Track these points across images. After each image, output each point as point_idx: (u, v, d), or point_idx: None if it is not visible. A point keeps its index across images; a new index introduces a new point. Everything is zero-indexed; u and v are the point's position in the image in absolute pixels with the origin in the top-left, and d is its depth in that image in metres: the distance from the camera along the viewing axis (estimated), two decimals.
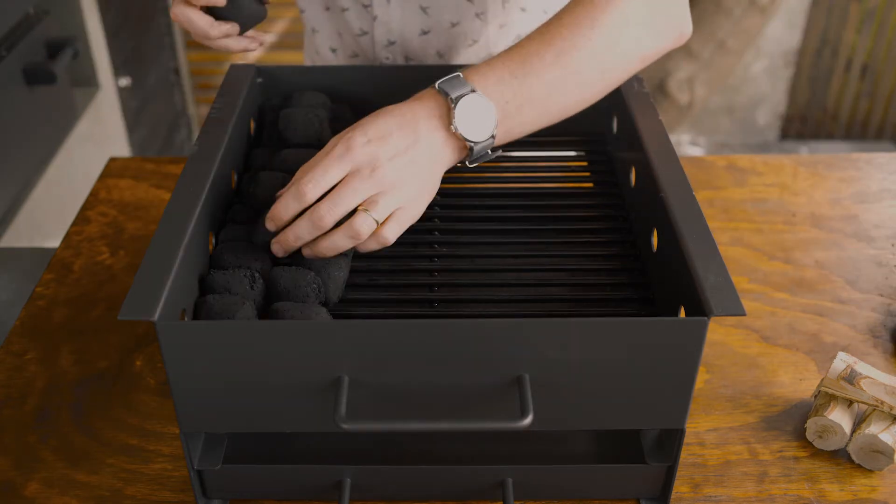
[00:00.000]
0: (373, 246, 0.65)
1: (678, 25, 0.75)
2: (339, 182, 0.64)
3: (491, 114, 0.67)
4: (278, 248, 0.65)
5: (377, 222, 0.63)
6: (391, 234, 0.65)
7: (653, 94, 2.65)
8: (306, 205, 0.64)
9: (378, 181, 0.63)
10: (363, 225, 0.63)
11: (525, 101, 0.68)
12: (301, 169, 0.66)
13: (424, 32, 0.98)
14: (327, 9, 1.00)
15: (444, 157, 0.67)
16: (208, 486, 0.63)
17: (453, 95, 0.66)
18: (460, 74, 0.67)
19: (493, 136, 0.67)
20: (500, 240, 0.74)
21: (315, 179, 0.63)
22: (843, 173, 1.04)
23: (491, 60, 0.69)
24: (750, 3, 2.50)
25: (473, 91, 0.66)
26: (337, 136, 0.66)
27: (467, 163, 0.69)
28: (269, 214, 0.65)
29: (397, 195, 0.64)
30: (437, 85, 0.67)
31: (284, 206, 0.64)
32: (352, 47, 1.01)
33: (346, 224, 0.63)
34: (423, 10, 0.96)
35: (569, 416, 0.58)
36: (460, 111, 0.66)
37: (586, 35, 0.69)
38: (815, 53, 2.76)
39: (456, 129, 0.66)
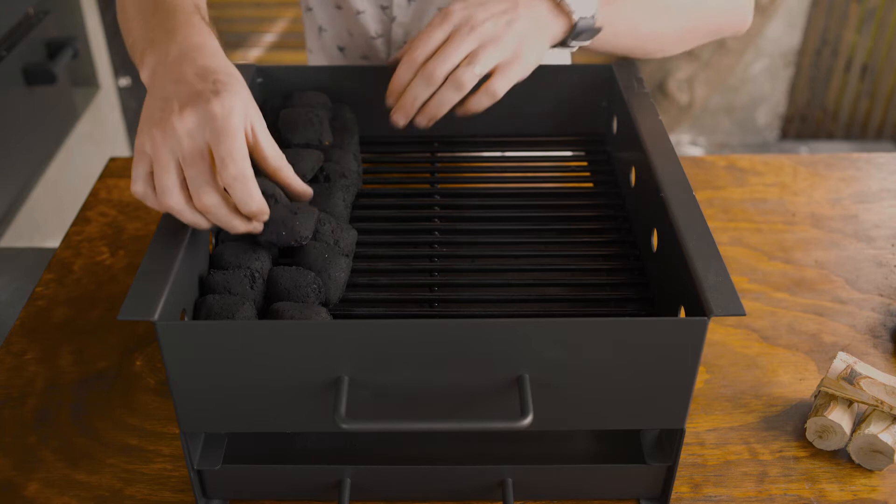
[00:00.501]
0: (485, 101, 0.70)
1: (747, 13, 0.86)
2: (443, 43, 0.69)
3: None
4: (400, 114, 0.71)
5: (478, 75, 0.68)
6: (500, 87, 0.70)
7: (653, 94, 2.65)
8: (418, 67, 0.70)
9: (478, 35, 0.68)
10: (465, 75, 0.68)
11: (621, 4, 0.76)
12: (410, 43, 0.72)
13: None
14: (338, 8, 0.99)
15: (546, 27, 0.72)
16: (208, 486, 0.63)
17: None
18: None
19: (594, 16, 0.72)
20: (499, 240, 0.74)
21: (421, 46, 0.70)
22: (843, 173, 1.04)
23: None
24: None
25: None
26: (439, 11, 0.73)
27: (569, 42, 0.73)
28: (389, 89, 0.71)
29: (499, 48, 0.69)
30: None
31: (400, 76, 0.71)
32: (362, 48, 1.01)
33: (451, 77, 0.68)
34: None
35: (569, 416, 0.58)
36: None
37: None
38: (815, 53, 2.76)
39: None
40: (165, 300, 0.54)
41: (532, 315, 0.65)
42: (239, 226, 0.60)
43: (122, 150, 1.96)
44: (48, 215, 1.54)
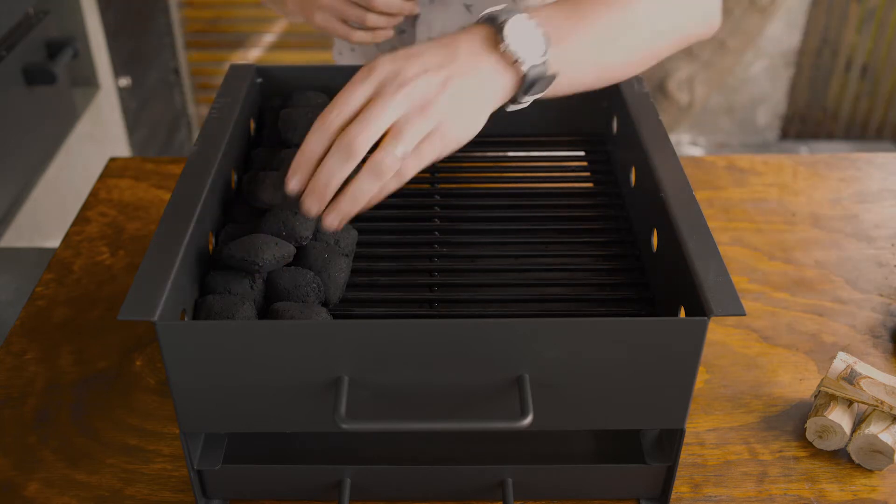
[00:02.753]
0: (392, 186, 0.57)
1: (715, 14, 0.75)
2: (366, 104, 0.56)
3: (540, 37, 0.59)
4: (312, 199, 0.57)
5: (401, 160, 0.55)
6: (412, 170, 0.57)
7: (653, 94, 2.65)
8: (332, 136, 0.56)
9: (406, 96, 0.55)
10: (386, 159, 0.55)
11: (577, 44, 0.62)
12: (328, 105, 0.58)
13: None
14: None
15: (491, 84, 0.59)
16: (208, 486, 0.63)
17: (500, 18, 0.59)
18: (506, 6, 0.61)
19: (545, 62, 0.59)
20: (500, 240, 0.74)
21: (339, 108, 0.56)
22: (843, 173, 1.04)
23: (540, 7, 0.64)
24: (750, 3, 2.50)
25: (523, 13, 0.60)
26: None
27: (520, 98, 0.61)
28: (295, 162, 0.57)
29: (428, 118, 0.55)
30: (480, 14, 0.61)
31: (310, 145, 0.56)
32: (383, 46, 1.01)
33: (370, 161, 0.55)
34: (468, 7, 0.95)
35: (569, 416, 0.58)
36: (510, 28, 0.58)
37: None
38: (815, 53, 2.76)
39: (506, 47, 0.58)
40: (165, 300, 0.54)
41: (532, 315, 0.65)
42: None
43: (122, 150, 1.96)
44: (48, 215, 1.54)
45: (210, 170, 0.67)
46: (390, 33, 0.91)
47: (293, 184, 0.57)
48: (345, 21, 0.89)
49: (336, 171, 0.55)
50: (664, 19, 0.70)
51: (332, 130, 0.56)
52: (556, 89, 0.63)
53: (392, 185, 0.57)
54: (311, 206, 0.58)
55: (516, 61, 0.59)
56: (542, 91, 0.62)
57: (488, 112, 0.60)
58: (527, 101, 0.61)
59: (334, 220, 0.58)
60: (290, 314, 0.60)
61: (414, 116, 0.55)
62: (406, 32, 0.96)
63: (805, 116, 2.89)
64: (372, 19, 0.87)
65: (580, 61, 0.64)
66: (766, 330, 0.81)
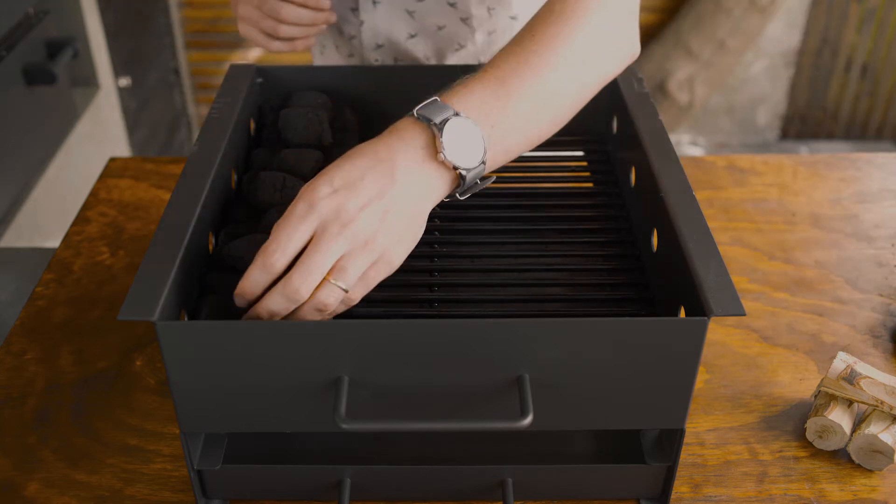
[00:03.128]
0: (340, 310, 0.59)
1: (633, 45, 0.72)
2: (309, 242, 0.56)
3: (478, 137, 0.60)
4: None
5: (345, 291, 0.56)
6: (359, 296, 0.58)
7: (653, 94, 2.65)
8: (275, 276, 0.57)
9: (349, 236, 0.56)
10: (329, 297, 0.56)
11: (510, 124, 0.63)
12: (272, 230, 0.58)
13: (412, 36, 0.98)
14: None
15: (429, 192, 0.60)
16: (208, 486, 0.63)
17: (437, 120, 0.59)
18: (438, 99, 0.61)
19: (483, 163, 0.61)
20: (499, 240, 0.74)
21: (282, 247, 0.56)
22: (843, 173, 1.04)
23: (468, 82, 0.63)
24: (750, 3, 2.51)
25: (457, 114, 0.60)
26: (303, 187, 0.58)
27: (458, 195, 0.62)
28: (238, 290, 0.57)
29: (369, 252, 0.57)
30: (415, 112, 0.60)
31: (253, 281, 0.57)
32: (346, 48, 1.02)
33: (312, 298, 0.56)
34: (410, 13, 0.96)
35: (569, 416, 0.58)
36: (448, 137, 0.59)
37: (562, 53, 0.65)
38: (815, 53, 2.76)
39: (445, 157, 0.59)
40: (165, 300, 0.54)
41: (532, 315, 0.65)
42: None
43: (122, 150, 1.96)
44: (48, 215, 1.54)
45: (210, 170, 0.67)
46: (311, 41, 0.94)
47: (240, 302, 0.58)
48: (264, 31, 0.92)
49: (279, 310, 0.57)
50: (588, 70, 0.68)
51: (276, 271, 0.56)
52: (494, 166, 0.64)
53: (340, 310, 0.58)
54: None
55: (455, 168, 0.59)
56: (478, 189, 0.63)
57: (426, 217, 0.61)
58: (465, 196, 0.63)
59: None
60: None
61: (356, 252, 0.56)
62: (355, 38, 0.98)
63: (805, 116, 2.89)
64: (284, 30, 0.90)
65: (513, 141, 0.64)
66: (766, 330, 0.81)
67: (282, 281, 0.56)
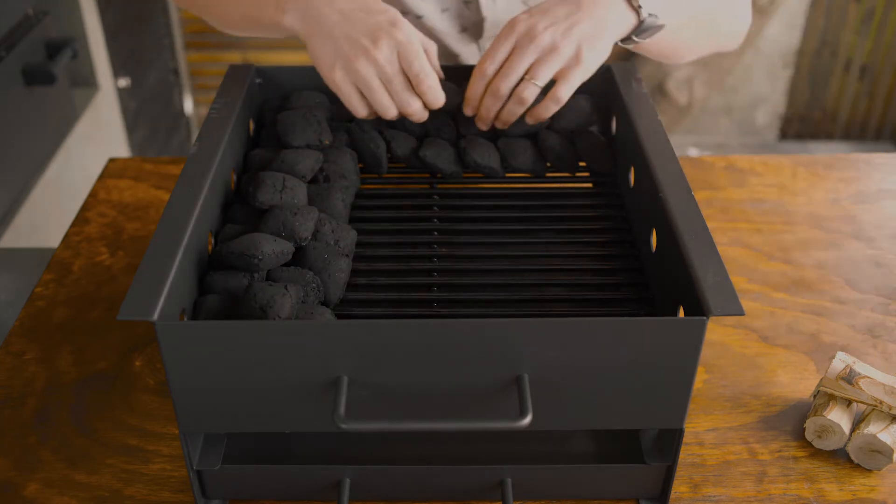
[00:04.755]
0: (552, 108, 0.75)
1: (744, 33, 0.94)
2: (509, 55, 0.74)
3: None
4: (480, 123, 0.79)
5: (539, 88, 0.73)
6: (563, 93, 0.73)
7: (652, 94, 2.65)
8: (489, 78, 0.75)
9: (537, 46, 0.72)
10: (526, 91, 0.73)
11: (677, 13, 0.79)
12: (486, 50, 0.76)
13: None
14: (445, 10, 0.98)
15: (612, 25, 0.74)
16: (208, 486, 0.63)
17: None
18: None
19: (658, 14, 0.76)
20: (499, 240, 0.74)
21: (490, 58, 0.74)
22: (842, 174, 1.04)
23: None
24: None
25: None
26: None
27: (634, 37, 0.77)
28: (465, 99, 0.77)
29: (558, 58, 0.72)
30: None
31: (473, 88, 0.76)
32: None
33: (514, 93, 0.74)
34: (524, 3, 0.97)
35: (568, 416, 0.58)
36: None
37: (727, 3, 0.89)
38: (815, 54, 2.76)
39: None
40: (165, 300, 0.54)
41: (531, 315, 0.65)
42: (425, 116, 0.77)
43: (121, 151, 1.96)
44: (48, 215, 1.54)
45: (209, 170, 0.67)
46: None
47: (468, 111, 0.78)
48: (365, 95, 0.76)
49: (491, 107, 0.76)
50: (730, 23, 0.90)
51: (488, 76, 0.75)
52: (648, 45, 0.81)
53: (552, 106, 0.75)
54: (481, 126, 0.79)
55: (639, 7, 0.75)
56: (651, 36, 0.78)
57: (610, 45, 0.75)
58: (636, 41, 0.78)
59: (499, 125, 0.79)
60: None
61: (545, 58, 0.73)
62: (471, 2, 0.97)
63: (804, 117, 2.89)
64: (414, 106, 0.75)
65: (674, 28, 0.80)
66: (766, 330, 0.81)
67: (491, 83, 0.75)
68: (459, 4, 0.96)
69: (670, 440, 0.61)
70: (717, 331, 0.80)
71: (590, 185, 0.83)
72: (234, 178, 0.75)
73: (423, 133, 0.83)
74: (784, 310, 0.83)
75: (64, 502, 0.65)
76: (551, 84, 0.75)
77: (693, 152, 2.87)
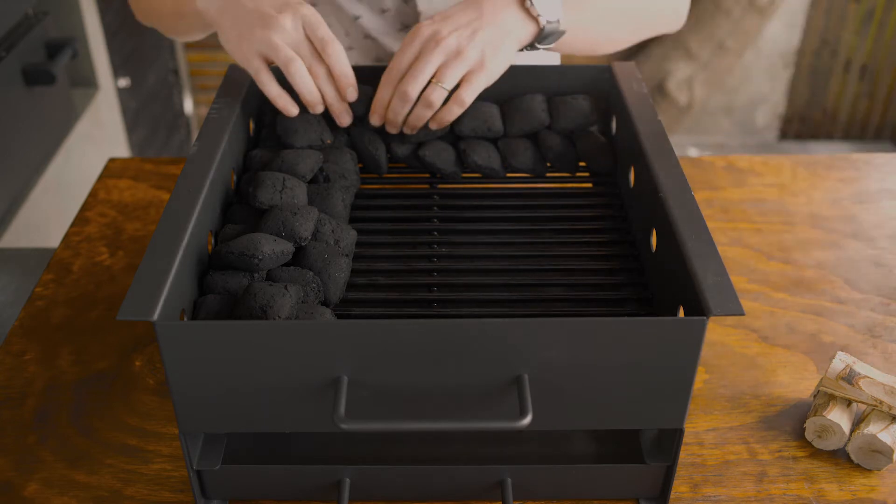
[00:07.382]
0: (456, 111, 0.75)
1: (685, 12, 0.94)
2: (415, 59, 0.75)
3: (558, 2, 0.78)
4: (389, 127, 0.79)
5: (446, 90, 0.74)
6: (467, 96, 0.75)
7: (652, 94, 2.65)
8: (395, 85, 0.76)
9: (442, 50, 0.73)
10: (433, 94, 0.74)
11: (581, 14, 0.81)
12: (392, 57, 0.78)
13: None
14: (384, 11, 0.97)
15: (513, 32, 0.76)
16: (207, 486, 0.63)
17: None
18: None
19: (558, 20, 0.78)
20: (499, 240, 0.74)
21: (395, 65, 0.76)
22: (842, 173, 1.04)
23: None
24: (749, 3, 2.50)
25: None
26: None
27: (536, 44, 0.78)
28: (373, 107, 0.78)
29: (463, 61, 0.73)
30: None
31: (381, 95, 0.77)
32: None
33: (422, 96, 0.74)
34: None
35: (568, 416, 0.58)
36: None
37: None
38: (814, 54, 2.76)
39: (531, 3, 0.76)
40: (165, 300, 0.54)
41: (531, 315, 0.65)
42: (336, 98, 0.78)
43: (121, 151, 1.96)
44: (48, 215, 1.54)
45: (209, 170, 0.67)
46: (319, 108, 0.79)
47: (375, 120, 0.78)
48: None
49: (399, 111, 0.76)
50: (660, 6, 0.90)
51: (394, 82, 0.76)
52: (560, 46, 0.82)
53: (455, 109, 0.75)
54: (390, 130, 0.79)
55: (538, 16, 0.76)
56: (553, 43, 0.79)
57: (513, 52, 0.77)
58: (540, 48, 0.79)
59: (407, 130, 0.79)
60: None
61: (451, 62, 0.74)
62: (409, 2, 0.96)
63: (804, 117, 2.89)
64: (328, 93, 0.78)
65: (582, 29, 0.82)
66: (766, 330, 0.81)
67: (398, 86, 0.75)
68: (399, 3, 0.95)
69: (670, 440, 0.61)
70: (717, 331, 0.80)
71: (590, 185, 0.82)
72: (234, 177, 0.75)
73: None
74: (784, 310, 0.83)
75: (64, 502, 0.65)
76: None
77: (693, 152, 2.87)
